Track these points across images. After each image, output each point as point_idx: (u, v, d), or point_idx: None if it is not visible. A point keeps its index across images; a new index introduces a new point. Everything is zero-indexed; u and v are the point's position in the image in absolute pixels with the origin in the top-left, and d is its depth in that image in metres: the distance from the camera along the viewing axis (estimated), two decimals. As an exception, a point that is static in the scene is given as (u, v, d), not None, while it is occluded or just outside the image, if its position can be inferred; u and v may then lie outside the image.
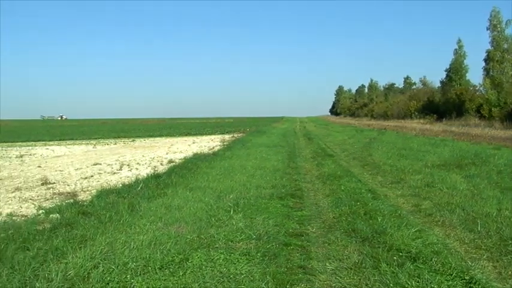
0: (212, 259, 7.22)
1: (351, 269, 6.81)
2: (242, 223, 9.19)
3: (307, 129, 67.96)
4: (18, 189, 15.04)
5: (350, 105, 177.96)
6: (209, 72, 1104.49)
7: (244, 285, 6.25)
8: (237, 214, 10.00)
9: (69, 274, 6.45)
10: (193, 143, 40.20)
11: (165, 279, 6.42)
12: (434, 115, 72.02)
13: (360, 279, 6.44)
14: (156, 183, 14.04)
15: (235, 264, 7.02)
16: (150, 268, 6.75)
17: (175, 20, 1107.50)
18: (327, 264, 7.06)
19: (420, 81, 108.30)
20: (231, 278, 6.45)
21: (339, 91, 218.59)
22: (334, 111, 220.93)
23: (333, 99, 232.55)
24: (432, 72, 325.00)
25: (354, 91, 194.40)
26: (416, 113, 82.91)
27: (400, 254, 7.27)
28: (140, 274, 6.55)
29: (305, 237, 8.56)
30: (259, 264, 7.00)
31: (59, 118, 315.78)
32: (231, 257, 7.33)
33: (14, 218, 10.51)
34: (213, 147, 31.07)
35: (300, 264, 7.06)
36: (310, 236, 8.66)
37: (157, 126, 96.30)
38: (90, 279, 6.34)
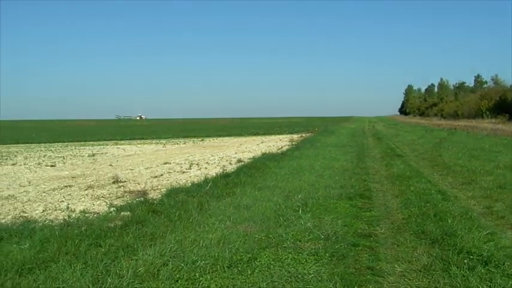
0: (280, 258, 7.23)
1: (420, 271, 6.69)
2: (310, 223, 9.16)
3: (376, 128, 67.22)
4: (90, 187, 15.39)
5: (419, 104, 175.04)
6: (279, 71, 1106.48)
7: (312, 285, 6.22)
8: (306, 214, 9.99)
9: (140, 271, 6.56)
10: (262, 142, 40.29)
11: (233, 278, 6.46)
12: (507, 115, 70.13)
13: (429, 281, 6.32)
14: (225, 183, 14.13)
15: (303, 264, 7.01)
16: (218, 266, 6.81)
17: (248, 21, 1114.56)
18: (396, 265, 6.96)
19: (492, 79, 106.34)
20: (299, 278, 6.43)
21: (408, 90, 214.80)
22: (403, 110, 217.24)
23: (402, 99, 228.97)
24: (504, 71, 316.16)
25: (423, 90, 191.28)
26: (488, 113, 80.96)
27: (471, 257, 7.10)
28: (209, 272, 6.61)
29: (374, 238, 8.47)
30: (327, 264, 6.97)
31: (138, 118, 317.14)
32: (299, 256, 7.32)
33: (86, 215, 10.75)
34: (282, 147, 31.02)
35: (368, 265, 6.98)
36: (378, 237, 8.56)
37: (227, 126, 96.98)
38: (160, 276, 6.43)
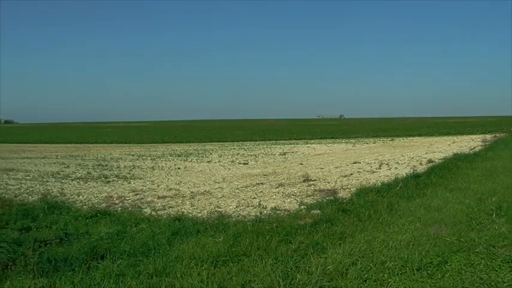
0: (472, 264, 6.98)
1: None
2: (505, 228, 8.75)
3: None
4: (281, 185, 15.81)
5: None
6: (471, 71, 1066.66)
7: (506, 294, 5.98)
8: (500, 218, 9.55)
9: (328, 269, 6.65)
10: (453, 142, 39.18)
11: (422, 281, 6.35)
12: None
13: None
14: (415, 183, 13.96)
15: (496, 271, 6.71)
16: (407, 268, 6.71)
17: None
18: None
19: None
20: (492, 286, 6.16)
21: None
22: None
23: None
24: None
25: None
26: None
27: None
28: (397, 274, 6.54)
29: None
30: (523, 273, 6.64)
31: (342, 117, 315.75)
32: (493, 263, 7.01)
33: (277, 212, 11.11)
34: (474, 147, 30.02)
35: None
36: None
37: (416, 126, 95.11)
38: (348, 276, 6.47)
